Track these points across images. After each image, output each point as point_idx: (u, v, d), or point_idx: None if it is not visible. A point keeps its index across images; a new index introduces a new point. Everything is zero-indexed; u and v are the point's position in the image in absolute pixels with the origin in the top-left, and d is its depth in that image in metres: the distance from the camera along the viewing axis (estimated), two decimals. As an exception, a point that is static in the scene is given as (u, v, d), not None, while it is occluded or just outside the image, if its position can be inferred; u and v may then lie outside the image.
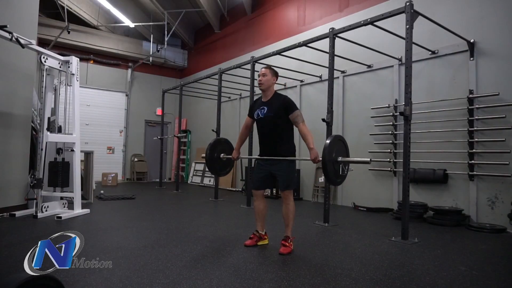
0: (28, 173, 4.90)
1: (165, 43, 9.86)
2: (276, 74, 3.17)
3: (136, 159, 10.78)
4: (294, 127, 3.06)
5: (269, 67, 3.20)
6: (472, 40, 4.55)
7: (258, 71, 6.40)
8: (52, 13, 9.08)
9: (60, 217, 4.27)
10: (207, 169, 9.72)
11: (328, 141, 2.67)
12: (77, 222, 4.22)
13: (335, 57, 4.58)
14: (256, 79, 3.29)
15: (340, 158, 2.74)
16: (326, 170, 2.65)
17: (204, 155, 3.49)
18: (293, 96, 7.30)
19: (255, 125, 3.26)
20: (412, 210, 4.54)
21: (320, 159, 2.72)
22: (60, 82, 5.08)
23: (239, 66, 6.39)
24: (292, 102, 3.02)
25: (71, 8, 8.74)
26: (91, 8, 9.65)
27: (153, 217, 4.70)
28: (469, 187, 4.53)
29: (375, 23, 4.11)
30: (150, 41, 10.27)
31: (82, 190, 5.23)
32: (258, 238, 3.21)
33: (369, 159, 2.69)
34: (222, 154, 3.51)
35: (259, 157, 3.17)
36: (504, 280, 2.44)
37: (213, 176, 9.17)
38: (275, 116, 3.00)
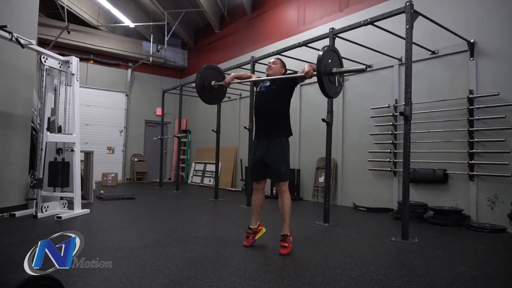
0: (28, 173, 4.90)
1: (165, 43, 9.86)
2: (285, 66, 3.27)
3: (136, 159, 10.78)
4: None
5: (280, 59, 3.28)
6: (472, 40, 4.55)
7: (258, 71, 6.42)
8: (52, 13, 9.07)
9: (60, 217, 4.27)
10: (207, 169, 9.73)
11: (321, 53, 2.53)
12: (77, 222, 4.22)
13: (335, 57, 4.57)
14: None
15: (334, 69, 2.62)
16: (322, 84, 2.52)
17: (195, 85, 3.30)
18: (293, 96, 7.29)
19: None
20: (412, 210, 4.54)
21: (314, 73, 2.61)
22: (60, 82, 5.08)
23: (239, 66, 6.39)
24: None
25: (71, 8, 8.74)
26: (91, 8, 9.65)
27: (153, 217, 4.70)
28: (469, 187, 4.53)
29: (375, 23, 4.12)
30: (150, 41, 10.27)
31: (82, 190, 5.23)
32: (253, 233, 3.19)
33: (364, 66, 2.54)
34: (213, 82, 3.38)
35: (257, 79, 3.20)
36: (504, 280, 2.44)
37: (213, 176, 9.18)
38: (278, 89, 3.06)
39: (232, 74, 3.39)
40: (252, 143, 3.23)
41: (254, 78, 3.40)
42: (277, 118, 3.07)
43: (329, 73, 2.58)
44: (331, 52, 2.68)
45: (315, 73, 2.57)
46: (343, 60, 5.76)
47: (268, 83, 3.14)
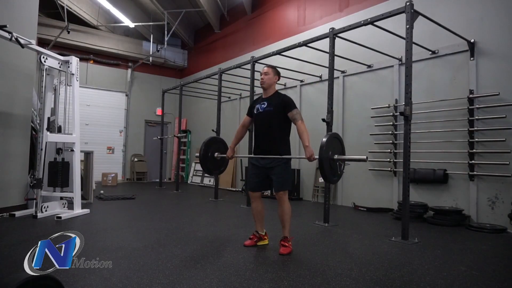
0: (28, 173, 4.90)
1: (165, 43, 9.86)
2: (278, 74, 3.21)
3: (136, 159, 10.78)
4: (291, 127, 3.07)
5: (271, 66, 3.23)
6: (472, 40, 4.55)
7: (258, 71, 6.43)
8: (52, 13, 9.07)
9: (60, 217, 4.27)
10: (207, 169, 9.71)
11: (324, 140, 2.66)
12: (77, 222, 4.22)
13: (335, 57, 4.57)
14: (256, 79, 3.30)
15: (336, 156, 2.71)
16: (323, 169, 2.63)
17: (197, 154, 3.44)
18: (293, 96, 7.29)
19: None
20: (412, 210, 4.54)
21: (316, 157, 2.72)
22: (60, 82, 5.08)
23: (239, 66, 6.39)
24: (292, 101, 3.05)
25: (71, 8, 8.74)
26: (91, 8, 9.65)
27: (153, 217, 4.70)
28: (469, 187, 4.53)
29: (375, 23, 4.11)
30: (150, 41, 10.27)
31: (82, 190, 5.23)
32: (258, 238, 3.21)
33: (365, 156, 2.64)
34: (216, 153, 3.47)
35: (255, 155, 3.14)
36: (504, 280, 2.44)
37: (213, 176, 9.17)
38: (274, 111, 3.02)
39: (230, 145, 3.38)
40: (252, 158, 3.24)
41: (247, 121, 3.34)
42: (276, 140, 3.04)
43: (331, 159, 2.69)
44: (335, 140, 2.79)
45: (316, 157, 2.72)
46: (342, 60, 5.79)
47: (265, 104, 3.09)
